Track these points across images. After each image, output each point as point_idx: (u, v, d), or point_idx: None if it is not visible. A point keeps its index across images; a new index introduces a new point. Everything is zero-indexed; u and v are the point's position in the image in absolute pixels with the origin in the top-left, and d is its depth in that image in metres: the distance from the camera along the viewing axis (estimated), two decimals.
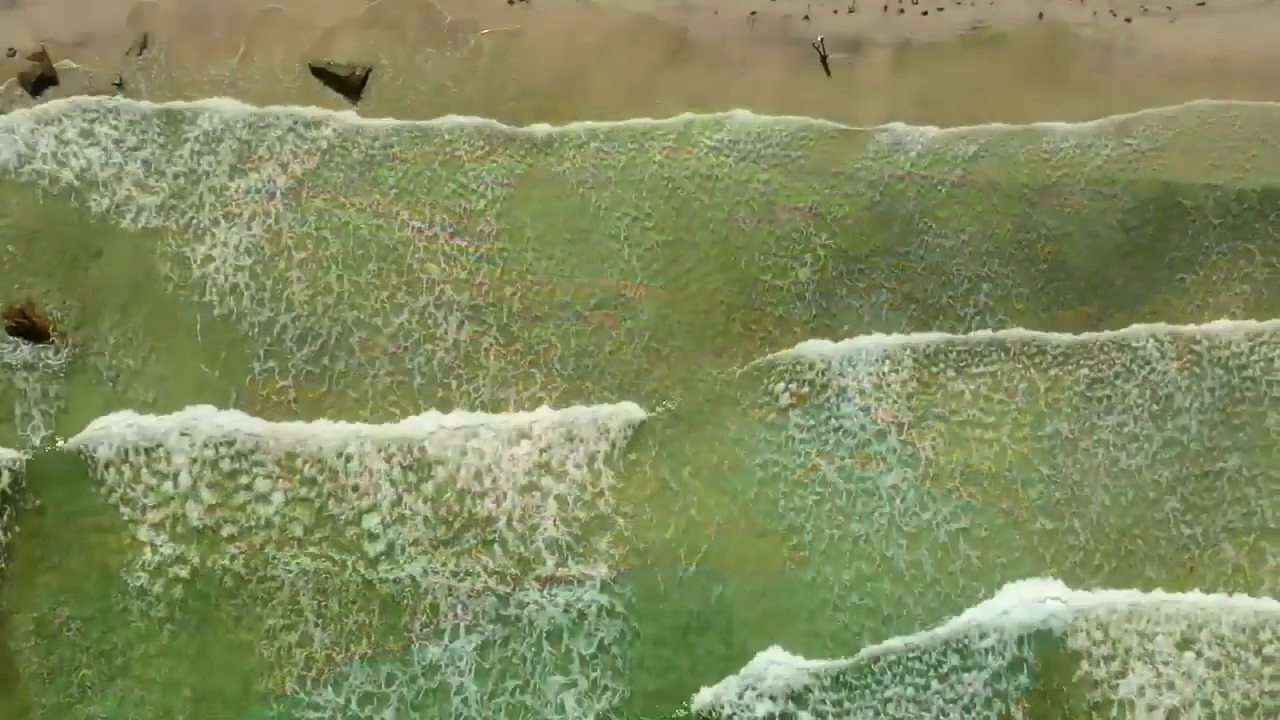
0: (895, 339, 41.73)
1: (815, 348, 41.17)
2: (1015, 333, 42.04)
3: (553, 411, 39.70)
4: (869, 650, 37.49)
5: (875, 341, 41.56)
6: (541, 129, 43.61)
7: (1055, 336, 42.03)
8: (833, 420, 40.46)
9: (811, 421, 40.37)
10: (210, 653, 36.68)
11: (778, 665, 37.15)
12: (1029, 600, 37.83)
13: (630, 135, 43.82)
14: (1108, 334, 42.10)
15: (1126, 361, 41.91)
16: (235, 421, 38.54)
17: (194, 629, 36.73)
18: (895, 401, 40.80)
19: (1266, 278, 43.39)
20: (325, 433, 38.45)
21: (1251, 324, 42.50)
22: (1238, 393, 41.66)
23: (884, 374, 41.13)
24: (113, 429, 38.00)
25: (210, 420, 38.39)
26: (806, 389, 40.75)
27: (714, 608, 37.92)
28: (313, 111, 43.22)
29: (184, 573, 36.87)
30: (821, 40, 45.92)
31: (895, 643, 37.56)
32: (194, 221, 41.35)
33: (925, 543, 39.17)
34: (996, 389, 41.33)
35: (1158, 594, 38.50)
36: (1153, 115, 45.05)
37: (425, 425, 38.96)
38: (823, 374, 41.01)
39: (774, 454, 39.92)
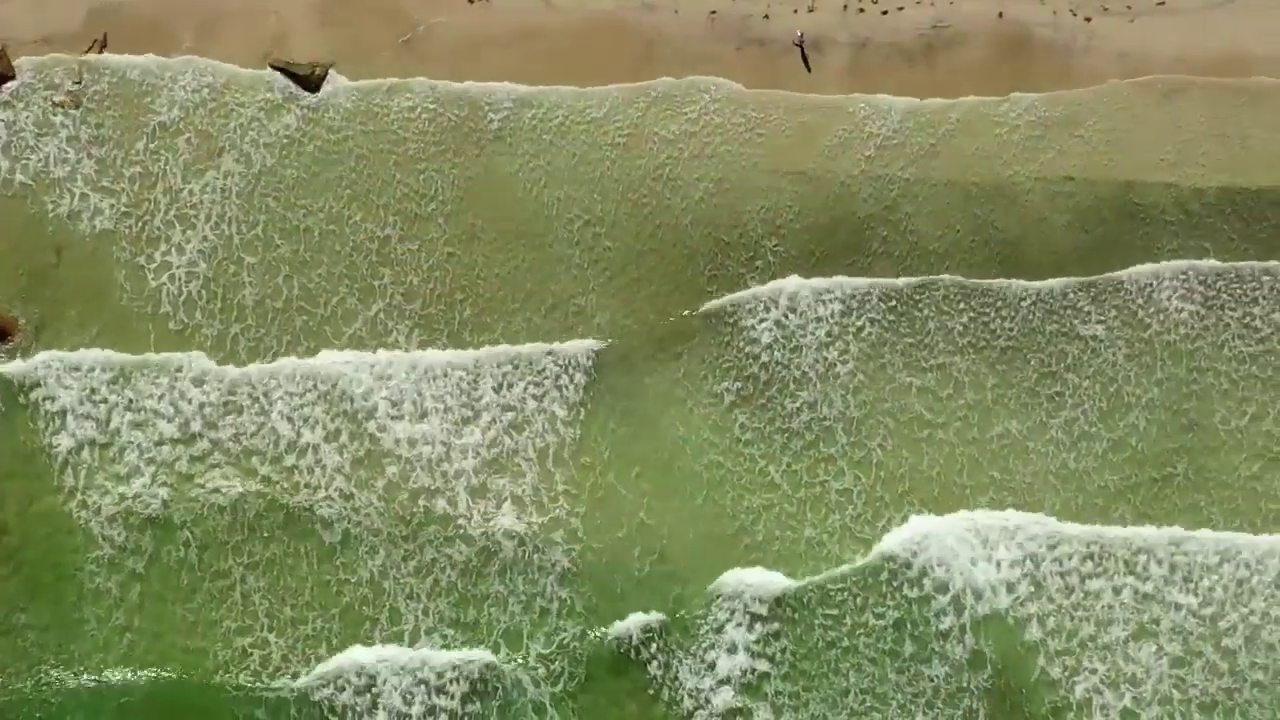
0: (821, 281, 42.03)
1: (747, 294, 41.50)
2: (946, 279, 42.50)
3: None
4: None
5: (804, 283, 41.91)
6: (492, 122, 43.59)
7: (990, 282, 42.33)
8: (779, 421, 40.43)
9: (757, 423, 40.33)
10: (169, 655, 36.65)
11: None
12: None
13: (583, 127, 43.82)
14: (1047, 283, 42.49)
15: (1076, 353, 41.94)
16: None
17: (152, 636, 36.57)
18: (843, 395, 40.81)
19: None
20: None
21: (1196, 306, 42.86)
22: (1185, 387, 41.75)
23: (830, 361, 41.13)
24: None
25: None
26: (750, 387, 40.84)
27: (672, 609, 37.88)
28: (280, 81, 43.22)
29: (140, 567, 36.70)
30: (801, 36, 46.03)
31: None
32: (148, 227, 41.21)
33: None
34: (945, 383, 41.32)
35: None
36: (1081, 96, 45.36)
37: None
38: (765, 367, 41.00)
39: (720, 456, 39.80)
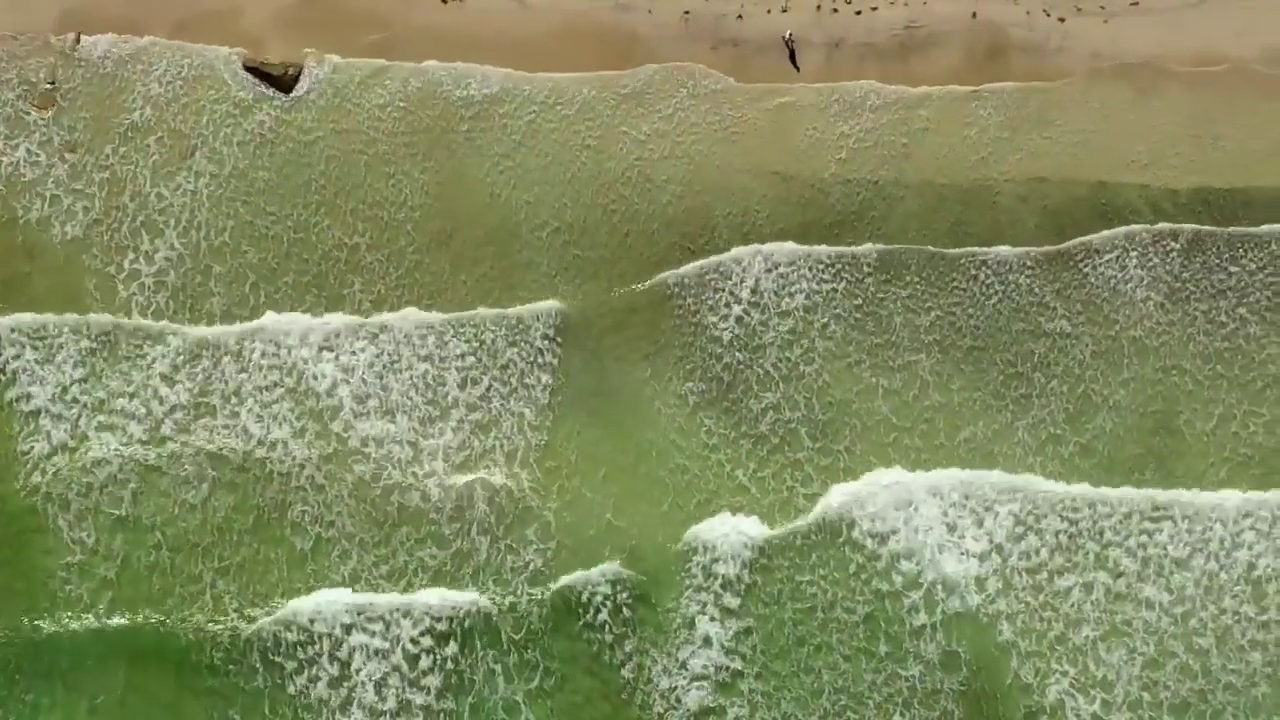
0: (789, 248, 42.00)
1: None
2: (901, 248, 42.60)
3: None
4: None
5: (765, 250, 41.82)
6: (463, 122, 43.73)
7: (949, 251, 42.43)
8: (744, 425, 40.36)
9: (722, 428, 40.25)
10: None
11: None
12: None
13: (554, 127, 43.90)
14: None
15: (1043, 351, 41.82)
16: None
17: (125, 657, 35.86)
18: (808, 398, 40.81)
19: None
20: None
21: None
22: (1152, 387, 41.45)
23: (793, 361, 41.02)
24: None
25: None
26: (715, 388, 40.68)
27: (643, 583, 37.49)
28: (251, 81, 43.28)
29: (110, 573, 36.61)
30: (790, 35, 46.06)
31: None
32: (118, 235, 41.21)
33: None
34: (911, 384, 41.13)
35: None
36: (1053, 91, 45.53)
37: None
38: (729, 368, 40.78)
39: (686, 460, 39.67)
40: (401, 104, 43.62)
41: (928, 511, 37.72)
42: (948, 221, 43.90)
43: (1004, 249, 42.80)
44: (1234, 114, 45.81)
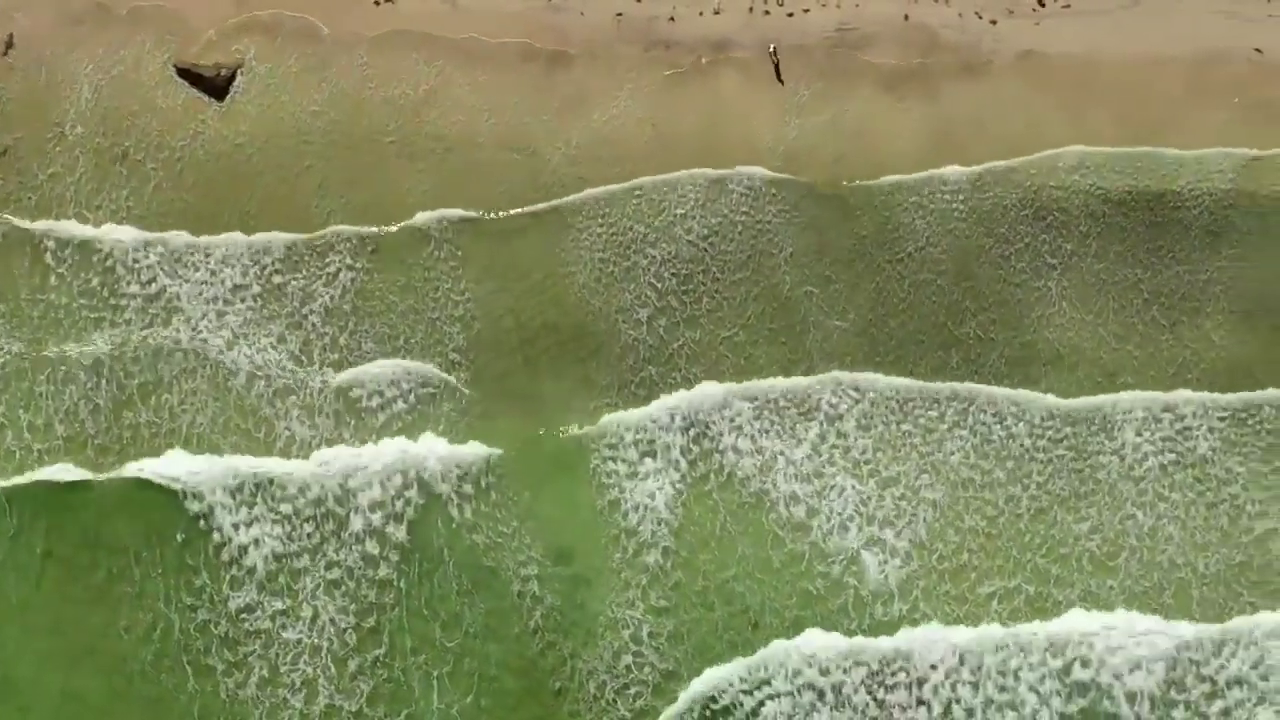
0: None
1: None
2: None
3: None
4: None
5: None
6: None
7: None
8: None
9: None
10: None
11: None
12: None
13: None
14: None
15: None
16: None
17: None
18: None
19: (1128, 280, 44.00)
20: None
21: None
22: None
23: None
24: None
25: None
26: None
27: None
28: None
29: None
30: (774, 48, 45.98)
31: None
32: None
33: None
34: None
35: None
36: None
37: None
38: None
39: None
40: (331, 108, 43.74)
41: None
42: (877, 221, 43.98)
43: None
44: (1164, 116, 45.92)
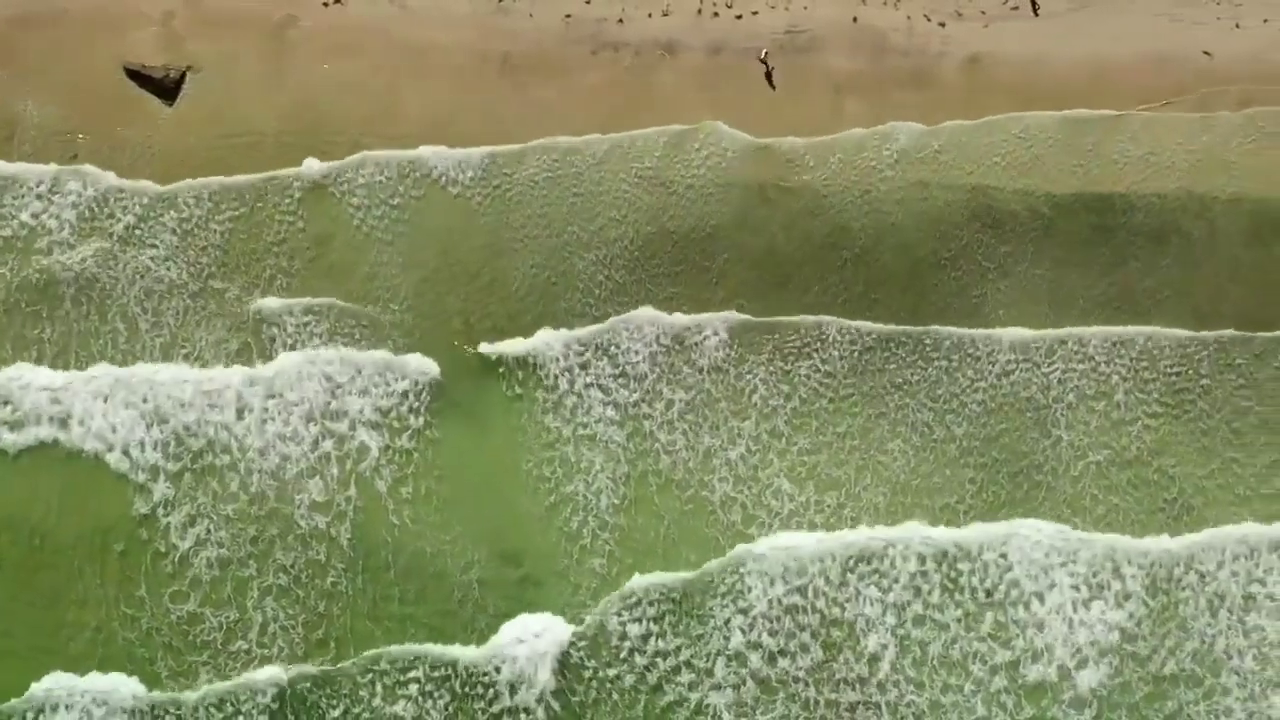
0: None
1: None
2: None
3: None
4: None
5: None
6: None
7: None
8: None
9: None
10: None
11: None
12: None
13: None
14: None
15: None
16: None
17: None
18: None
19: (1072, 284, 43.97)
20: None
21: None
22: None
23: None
24: None
25: None
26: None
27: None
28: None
29: None
30: (766, 53, 46.05)
31: None
32: None
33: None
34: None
35: None
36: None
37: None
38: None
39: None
40: (281, 111, 43.86)
41: None
42: (826, 227, 43.95)
43: None
44: (1112, 119, 45.91)
